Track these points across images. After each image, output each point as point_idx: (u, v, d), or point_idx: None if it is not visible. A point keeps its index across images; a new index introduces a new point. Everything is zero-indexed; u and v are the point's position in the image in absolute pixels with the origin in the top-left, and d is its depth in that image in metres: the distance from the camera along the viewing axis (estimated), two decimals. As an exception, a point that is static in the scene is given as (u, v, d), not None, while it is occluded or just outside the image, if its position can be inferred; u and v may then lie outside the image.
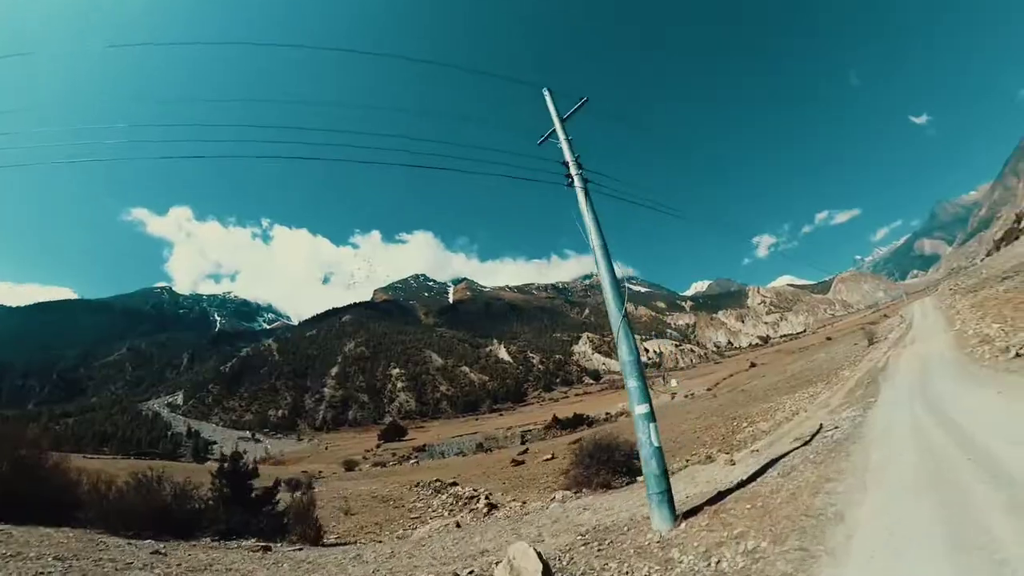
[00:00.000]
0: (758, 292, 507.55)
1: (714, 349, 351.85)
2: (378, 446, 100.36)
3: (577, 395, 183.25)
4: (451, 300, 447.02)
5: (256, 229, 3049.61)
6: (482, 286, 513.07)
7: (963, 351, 15.95)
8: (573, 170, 8.29)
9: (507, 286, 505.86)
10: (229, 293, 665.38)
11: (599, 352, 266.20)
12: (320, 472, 48.03)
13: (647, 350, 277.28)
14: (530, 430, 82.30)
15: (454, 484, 23.86)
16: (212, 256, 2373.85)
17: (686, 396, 77.52)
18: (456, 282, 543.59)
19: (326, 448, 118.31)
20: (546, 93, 9.06)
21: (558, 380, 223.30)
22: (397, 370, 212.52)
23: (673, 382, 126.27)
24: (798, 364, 54.95)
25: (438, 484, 23.75)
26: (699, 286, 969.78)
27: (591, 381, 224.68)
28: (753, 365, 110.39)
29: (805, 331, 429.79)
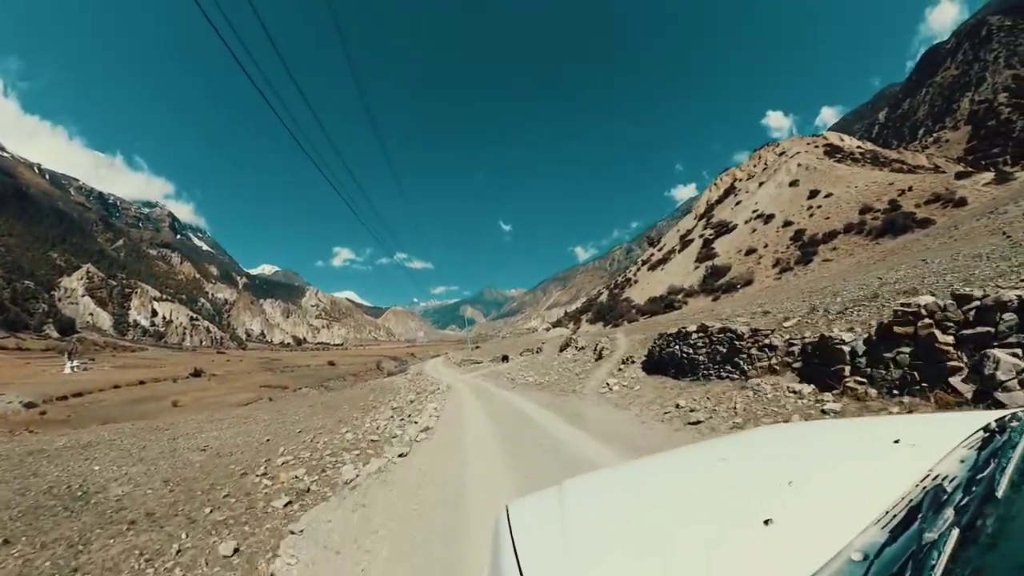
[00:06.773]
0: (316, 294, 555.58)
1: (245, 336, 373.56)
2: None
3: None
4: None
5: None
6: (3, 149, 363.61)
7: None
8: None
9: (39, 165, 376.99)
10: None
11: (94, 298, 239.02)
12: None
13: (156, 312, 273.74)
14: None
15: None
16: None
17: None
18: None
19: None
20: None
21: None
22: None
23: (73, 364, 78.39)
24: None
25: None
26: (267, 268, 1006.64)
27: (52, 334, 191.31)
28: (198, 373, 74.39)
29: (344, 344, 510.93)
